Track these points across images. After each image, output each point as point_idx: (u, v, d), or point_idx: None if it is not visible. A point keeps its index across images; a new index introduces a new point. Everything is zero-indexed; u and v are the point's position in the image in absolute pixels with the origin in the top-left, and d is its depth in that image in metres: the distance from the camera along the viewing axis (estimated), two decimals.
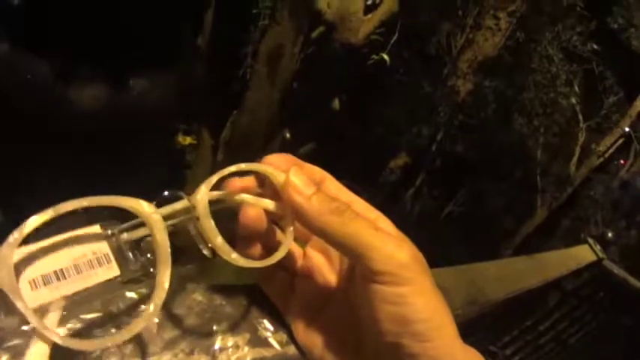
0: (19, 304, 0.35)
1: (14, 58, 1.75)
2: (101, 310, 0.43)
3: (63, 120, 1.71)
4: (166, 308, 0.48)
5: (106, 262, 0.39)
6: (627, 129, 6.03)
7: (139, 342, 0.44)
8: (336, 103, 2.81)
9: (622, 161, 6.54)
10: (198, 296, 0.51)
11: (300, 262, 0.51)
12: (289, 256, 0.50)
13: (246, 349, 0.49)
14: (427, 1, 3.31)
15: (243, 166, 0.44)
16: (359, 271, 0.43)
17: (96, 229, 0.40)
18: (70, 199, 0.36)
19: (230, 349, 0.48)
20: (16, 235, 0.34)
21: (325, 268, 0.50)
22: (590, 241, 1.93)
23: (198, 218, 0.41)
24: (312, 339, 0.49)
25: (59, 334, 0.36)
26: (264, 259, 0.46)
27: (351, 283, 0.47)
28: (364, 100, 3.14)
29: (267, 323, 0.52)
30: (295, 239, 0.49)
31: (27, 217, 0.34)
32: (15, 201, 1.86)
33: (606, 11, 5.64)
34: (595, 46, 5.48)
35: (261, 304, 0.53)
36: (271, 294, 0.52)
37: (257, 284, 0.52)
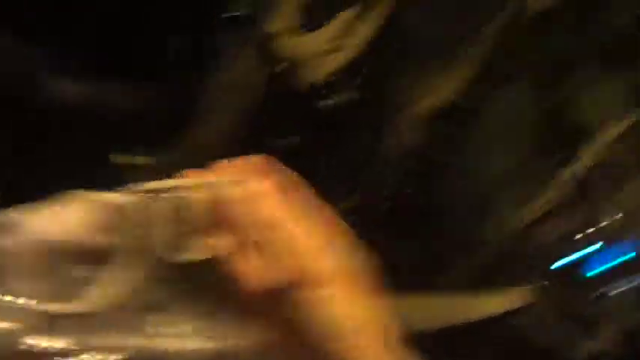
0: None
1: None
2: None
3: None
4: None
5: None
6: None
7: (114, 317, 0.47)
8: (294, 140, 2.83)
9: (547, 226, 6.71)
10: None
11: (235, 265, 0.51)
12: (229, 257, 0.51)
13: (189, 339, 0.49)
14: (390, 45, 3.39)
15: (212, 167, 0.51)
16: (293, 275, 0.47)
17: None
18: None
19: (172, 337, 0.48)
20: None
21: (260, 274, 0.51)
22: (517, 288, 1.98)
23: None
24: (245, 338, 0.50)
25: None
26: None
27: (281, 293, 0.49)
28: (320, 140, 3.19)
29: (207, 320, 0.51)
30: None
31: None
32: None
33: (557, 79, 5.85)
34: (540, 115, 5.67)
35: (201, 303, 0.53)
36: (208, 292, 0.53)
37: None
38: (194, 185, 0.50)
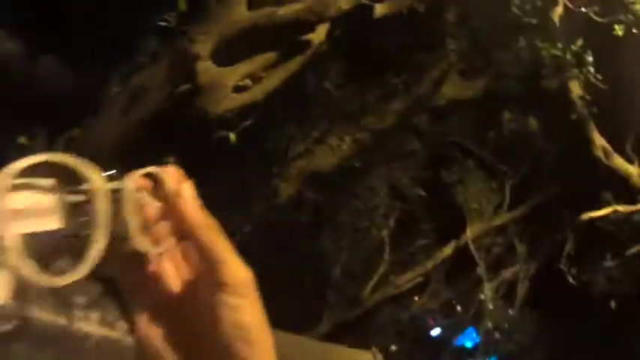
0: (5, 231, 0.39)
1: None
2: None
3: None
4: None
5: (53, 214, 0.43)
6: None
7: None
8: (169, 161, 2.85)
9: (416, 298, 7.11)
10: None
11: (152, 266, 0.54)
12: (143, 257, 0.54)
13: (96, 324, 0.56)
14: (287, 100, 3.54)
15: (151, 169, 0.50)
16: (208, 280, 0.50)
17: (52, 182, 0.43)
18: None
19: (84, 321, 0.54)
20: (7, 169, 0.40)
21: (173, 277, 0.54)
22: (374, 349, 2.05)
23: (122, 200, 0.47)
24: (152, 333, 0.53)
25: (25, 266, 0.40)
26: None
27: (194, 293, 0.52)
28: (195, 169, 3.25)
29: (115, 309, 0.59)
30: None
31: None
32: None
33: (444, 165, 6.26)
34: (422, 193, 6.08)
35: (113, 292, 0.55)
36: (124, 285, 0.55)
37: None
38: (141, 181, 0.54)
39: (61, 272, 0.43)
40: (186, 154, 2.81)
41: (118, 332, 0.56)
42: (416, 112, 5.31)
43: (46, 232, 0.43)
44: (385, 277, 6.52)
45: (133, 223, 0.47)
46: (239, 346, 0.49)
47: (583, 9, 4.25)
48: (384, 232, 6.13)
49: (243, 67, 2.96)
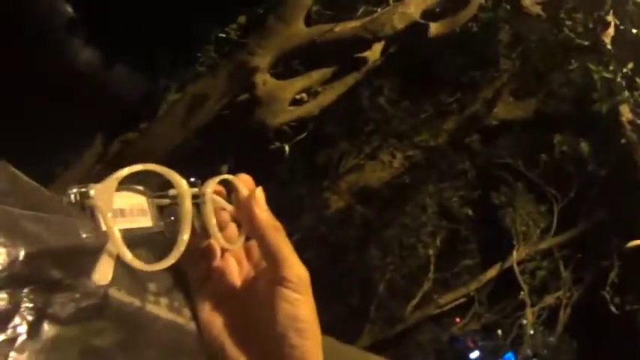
0: (108, 224, 0.46)
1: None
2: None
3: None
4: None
5: (146, 214, 0.52)
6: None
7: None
8: (224, 168, 2.90)
9: (457, 319, 7.00)
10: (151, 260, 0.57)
11: (217, 261, 0.61)
12: (210, 253, 0.61)
13: (165, 309, 0.57)
14: (340, 116, 3.57)
15: (227, 176, 0.57)
16: (270, 276, 0.56)
17: (143, 188, 0.52)
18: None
19: (154, 304, 0.55)
20: (116, 175, 0.47)
21: (236, 272, 0.61)
22: None
23: (203, 203, 0.55)
24: (213, 320, 0.59)
25: (128, 254, 0.48)
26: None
27: (254, 287, 0.58)
28: (262, 176, 3.30)
29: (182, 297, 0.59)
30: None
31: None
32: None
33: (493, 186, 6.18)
34: (470, 212, 6.01)
35: (181, 282, 0.61)
36: (191, 276, 0.61)
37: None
38: (220, 192, 0.59)
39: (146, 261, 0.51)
40: (240, 163, 2.85)
41: (183, 318, 0.58)
42: (468, 131, 5.29)
43: (139, 229, 0.51)
44: (428, 296, 6.45)
45: (212, 222, 0.54)
46: (293, 336, 0.54)
47: (634, 30, 4.18)
48: (430, 251, 6.09)
49: (300, 82, 3.00)
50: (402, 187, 4.93)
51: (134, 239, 0.51)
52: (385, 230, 5.60)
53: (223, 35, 3.02)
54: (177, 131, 2.55)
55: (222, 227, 0.58)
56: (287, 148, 3.01)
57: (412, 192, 5.38)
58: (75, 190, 0.47)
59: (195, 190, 0.55)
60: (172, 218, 0.54)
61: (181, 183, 0.52)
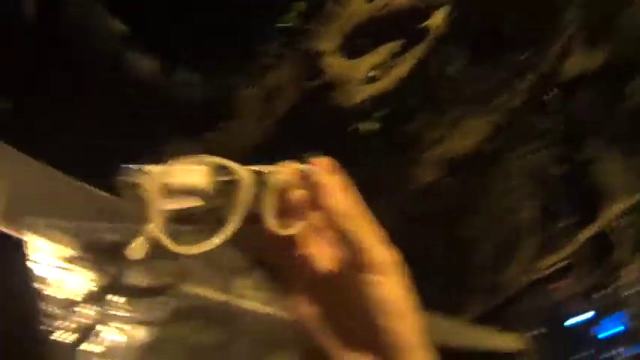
0: (151, 207, 0.45)
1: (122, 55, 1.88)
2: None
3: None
4: (214, 254, 0.59)
5: (196, 195, 0.50)
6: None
7: (191, 270, 0.56)
8: (307, 157, 2.88)
9: (558, 283, 6.78)
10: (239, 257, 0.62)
11: (311, 247, 0.61)
12: (302, 239, 0.61)
13: (259, 302, 0.65)
14: (416, 87, 3.48)
15: (302, 163, 0.58)
16: (353, 262, 0.55)
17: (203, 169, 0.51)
18: None
19: (248, 299, 0.64)
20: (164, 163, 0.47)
21: (327, 257, 0.61)
22: (519, 334, 1.99)
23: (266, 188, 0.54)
24: (306, 308, 0.58)
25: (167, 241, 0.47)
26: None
27: (341, 274, 0.58)
28: (343, 160, 3.25)
29: (272, 290, 0.64)
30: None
31: None
32: None
33: (577, 143, 5.93)
34: (559, 172, 5.77)
35: (271, 274, 0.62)
36: (279, 270, 0.62)
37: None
38: (291, 171, 0.60)
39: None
40: (323, 148, 2.80)
41: (274, 309, 0.64)
42: (545, 88, 5.10)
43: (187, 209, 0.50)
44: (526, 262, 6.25)
45: (268, 206, 0.54)
46: (383, 320, 0.53)
47: None
48: (524, 215, 5.89)
49: (370, 59, 2.94)
50: (488, 153, 4.78)
51: (184, 219, 0.51)
52: (475, 199, 5.45)
53: (284, 25, 2.98)
54: (255, 126, 2.53)
55: (292, 213, 0.58)
56: (367, 126, 2.96)
57: (498, 157, 5.20)
58: (128, 167, 0.46)
59: (260, 168, 0.55)
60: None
61: (239, 169, 0.51)
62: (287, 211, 0.59)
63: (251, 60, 2.77)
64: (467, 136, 4.19)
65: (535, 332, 7.00)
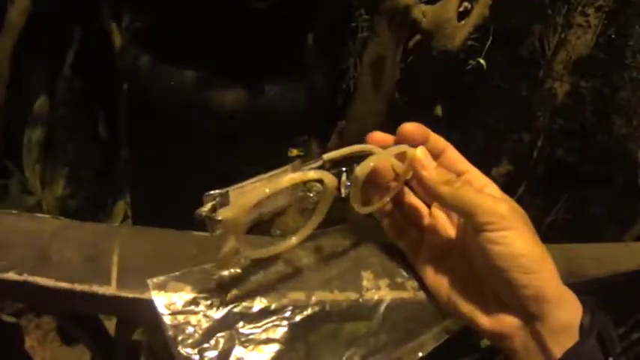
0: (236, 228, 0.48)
1: (158, 69, 1.90)
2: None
3: (205, 122, 1.85)
4: (323, 256, 0.59)
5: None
6: None
7: (302, 278, 0.57)
8: (438, 110, 2.84)
9: None
10: (349, 250, 0.65)
11: (427, 220, 0.64)
12: (418, 215, 0.64)
13: (387, 290, 0.60)
14: (516, 3, 3.31)
15: (392, 149, 0.60)
16: (470, 225, 0.56)
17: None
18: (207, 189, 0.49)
19: (374, 290, 0.58)
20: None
21: (447, 224, 0.64)
22: None
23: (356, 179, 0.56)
24: (439, 282, 0.59)
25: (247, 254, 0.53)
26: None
27: (466, 235, 0.60)
28: (464, 108, 3.15)
29: (403, 272, 0.63)
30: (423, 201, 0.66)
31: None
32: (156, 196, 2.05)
33: None
34: None
35: (397, 258, 0.64)
36: (405, 248, 0.64)
37: (393, 242, 0.65)
38: (378, 151, 0.61)
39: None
40: (447, 101, 2.76)
41: (409, 292, 0.60)
42: None
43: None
44: None
45: (354, 193, 0.57)
46: (518, 275, 0.52)
47: None
48: None
49: None
50: (610, 42, 4.48)
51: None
52: (616, 93, 5.12)
53: None
54: (377, 101, 2.50)
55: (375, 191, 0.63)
56: (483, 61, 2.85)
57: (622, 40, 4.86)
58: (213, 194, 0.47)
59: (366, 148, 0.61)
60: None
61: (324, 175, 0.54)
62: (373, 190, 0.63)
63: (350, 38, 2.76)
64: (584, 30, 3.95)
65: None
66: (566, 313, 0.53)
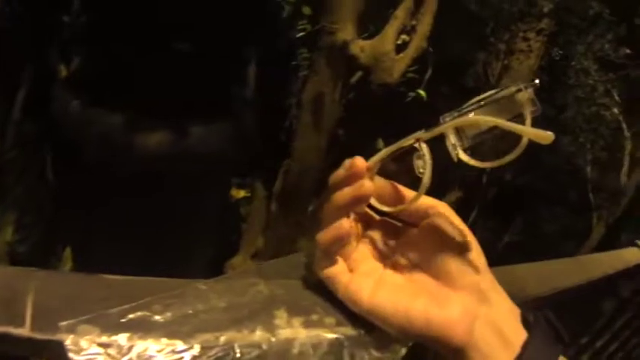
0: None
1: (85, 112, 1.86)
2: None
3: (131, 164, 1.81)
4: (233, 297, 0.59)
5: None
6: None
7: (210, 319, 0.54)
8: (380, 144, 2.83)
9: None
10: (262, 289, 0.61)
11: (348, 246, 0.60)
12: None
13: (300, 328, 0.56)
14: (455, 33, 3.35)
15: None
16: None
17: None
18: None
19: (287, 329, 0.55)
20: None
21: (376, 255, 0.61)
22: (638, 242, 1.84)
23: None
24: (382, 297, 0.56)
25: None
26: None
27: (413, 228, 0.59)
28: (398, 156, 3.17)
29: (319, 309, 0.59)
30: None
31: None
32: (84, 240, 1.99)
33: (633, 12, 5.60)
34: (628, 51, 5.46)
35: (317, 295, 0.61)
36: (330, 277, 0.60)
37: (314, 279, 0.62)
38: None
39: None
40: (392, 133, 2.74)
41: (326, 329, 0.60)
42: None
43: None
44: (634, 155, 5.94)
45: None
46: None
47: None
48: (615, 109, 5.60)
49: (391, 27, 2.83)
50: (554, 62, 4.57)
51: None
52: (561, 113, 5.23)
53: (301, 32, 2.94)
54: (317, 137, 2.49)
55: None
56: (423, 92, 2.86)
57: (565, 61, 4.97)
58: None
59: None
60: None
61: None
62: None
63: (292, 75, 2.74)
64: (526, 55, 3.99)
65: None
66: (511, 303, 0.55)
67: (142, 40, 1.84)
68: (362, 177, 0.55)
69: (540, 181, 5.25)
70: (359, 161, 0.56)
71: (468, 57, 3.94)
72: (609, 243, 5.78)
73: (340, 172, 0.56)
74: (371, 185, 0.56)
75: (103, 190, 1.96)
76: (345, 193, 0.56)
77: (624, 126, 5.72)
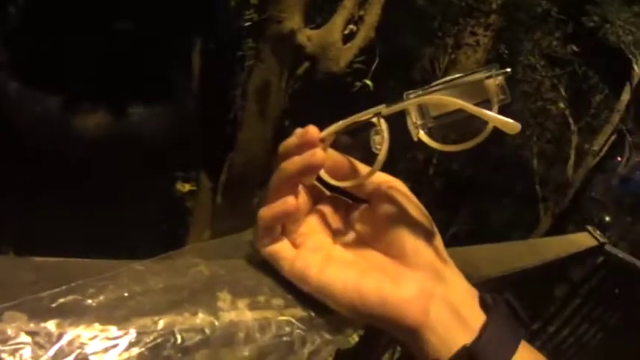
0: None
1: (25, 94, 1.82)
2: None
3: (70, 146, 1.78)
4: (172, 278, 0.53)
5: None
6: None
7: (147, 301, 0.48)
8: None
9: (618, 158, 6.54)
10: (203, 269, 0.55)
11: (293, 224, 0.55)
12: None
13: (246, 310, 0.52)
14: (404, 26, 3.36)
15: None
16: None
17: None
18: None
19: (232, 311, 0.51)
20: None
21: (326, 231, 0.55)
22: (589, 228, 1.88)
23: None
24: (332, 275, 0.52)
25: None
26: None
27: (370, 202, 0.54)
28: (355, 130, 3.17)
29: (266, 289, 0.54)
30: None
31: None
32: (22, 229, 1.96)
33: (580, 11, 5.70)
34: (575, 48, 5.56)
35: (263, 275, 0.57)
36: (279, 258, 0.55)
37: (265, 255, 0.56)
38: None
39: None
40: (337, 117, 2.75)
41: (274, 310, 0.54)
42: None
43: None
44: (580, 149, 6.06)
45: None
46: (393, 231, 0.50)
47: None
48: (561, 104, 5.71)
49: (339, 17, 2.83)
50: (501, 56, 4.61)
51: None
52: (510, 107, 5.29)
53: (248, 22, 2.91)
54: (263, 128, 2.48)
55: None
56: (369, 82, 2.86)
57: (511, 57, 5.03)
58: None
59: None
60: None
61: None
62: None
63: (239, 65, 2.71)
64: (474, 49, 4.03)
65: (606, 217, 6.76)
66: (468, 284, 0.52)
67: (83, 22, 1.81)
68: (314, 146, 0.49)
69: (487, 173, 5.32)
70: (312, 129, 0.50)
71: (415, 50, 3.95)
72: (556, 234, 5.90)
73: (292, 140, 0.50)
74: (323, 155, 0.48)
75: (42, 177, 1.92)
76: (294, 162, 0.49)
77: (570, 120, 5.84)
